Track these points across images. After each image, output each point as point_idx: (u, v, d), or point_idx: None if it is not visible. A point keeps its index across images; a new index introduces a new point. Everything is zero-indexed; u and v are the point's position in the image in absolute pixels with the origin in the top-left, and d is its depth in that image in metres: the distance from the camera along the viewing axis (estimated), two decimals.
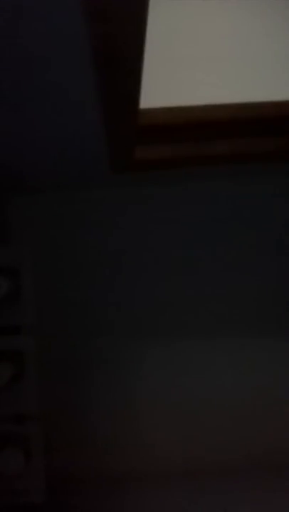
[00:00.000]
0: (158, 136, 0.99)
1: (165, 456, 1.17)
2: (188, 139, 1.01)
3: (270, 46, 1.04)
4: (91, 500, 1.05)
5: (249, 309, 1.18)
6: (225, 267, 1.18)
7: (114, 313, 1.17)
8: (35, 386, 0.93)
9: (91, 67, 0.56)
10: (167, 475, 1.12)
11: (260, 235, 1.18)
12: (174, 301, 1.18)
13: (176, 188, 1.17)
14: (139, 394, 1.17)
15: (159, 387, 1.17)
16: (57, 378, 1.14)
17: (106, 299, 1.17)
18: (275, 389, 1.18)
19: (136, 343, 1.17)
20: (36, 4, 0.43)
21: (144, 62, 0.62)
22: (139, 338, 1.18)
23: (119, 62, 0.55)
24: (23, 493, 0.90)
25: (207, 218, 1.18)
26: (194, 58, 1.01)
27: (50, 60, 0.54)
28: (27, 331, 0.94)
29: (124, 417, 1.17)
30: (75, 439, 1.16)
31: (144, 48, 0.53)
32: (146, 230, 1.17)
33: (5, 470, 0.87)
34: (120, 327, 1.17)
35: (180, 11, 1.01)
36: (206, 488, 1.07)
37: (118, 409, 1.17)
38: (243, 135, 1.03)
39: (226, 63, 1.02)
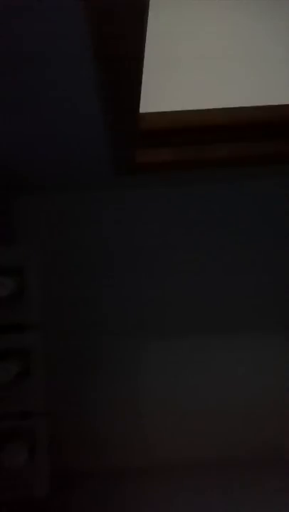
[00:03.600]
0: (159, 140, 1.01)
1: (167, 453, 1.17)
2: (189, 143, 1.03)
3: (270, 50, 1.06)
4: (94, 495, 1.06)
5: (251, 309, 1.20)
6: (225, 269, 1.20)
7: (117, 311, 1.19)
8: (41, 383, 0.94)
9: (92, 69, 0.57)
10: (170, 471, 1.13)
11: (260, 237, 1.20)
12: (176, 301, 1.19)
13: (177, 190, 1.19)
14: (142, 391, 1.18)
15: (162, 385, 1.19)
16: (61, 375, 1.16)
17: (109, 298, 1.19)
18: (278, 388, 1.19)
19: (139, 341, 1.19)
20: (37, 4, 0.44)
21: (146, 67, 0.64)
22: (142, 337, 1.19)
23: (119, 63, 0.57)
24: (28, 488, 0.91)
25: (207, 221, 1.20)
26: (195, 63, 1.03)
27: (51, 62, 0.55)
28: (33, 329, 0.95)
29: (128, 413, 1.18)
30: (79, 435, 1.17)
31: (144, 49, 0.54)
32: (147, 231, 1.19)
33: (9, 464, 0.89)
34: (124, 325, 1.19)
35: (181, 14, 1.02)
36: (207, 485, 1.08)
37: (121, 406, 1.18)
38: (243, 139, 1.04)
39: (226, 68, 1.04)
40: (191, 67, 1.03)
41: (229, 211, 1.20)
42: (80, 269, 1.18)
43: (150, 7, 0.50)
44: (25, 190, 1.14)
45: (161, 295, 1.19)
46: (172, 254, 1.20)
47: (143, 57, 0.56)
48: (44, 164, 0.97)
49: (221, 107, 0.98)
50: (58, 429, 1.11)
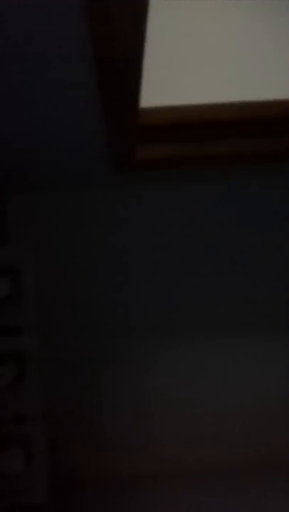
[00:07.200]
0: (159, 136, 0.98)
1: (171, 457, 1.16)
2: (189, 139, 1.00)
3: (271, 45, 1.03)
4: (96, 500, 1.05)
5: (253, 309, 1.18)
6: (226, 267, 1.18)
7: (118, 312, 1.17)
8: (37, 387, 0.93)
9: (91, 67, 0.55)
10: (173, 475, 1.12)
11: (261, 234, 1.18)
12: (177, 301, 1.17)
13: (177, 187, 1.16)
14: (144, 394, 1.17)
15: (165, 387, 1.17)
16: (62, 378, 1.14)
17: (108, 298, 1.17)
18: (286, 390, 1.17)
19: (143, 342, 1.17)
20: (36, 4, 0.43)
21: (146, 62, 0.62)
22: (145, 338, 1.17)
23: (119, 62, 0.55)
24: (25, 493, 0.90)
25: (208, 218, 1.17)
26: (196, 57, 1.01)
27: (51, 59, 0.54)
28: (28, 332, 0.93)
29: (130, 417, 1.16)
30: (81, 439, 1.16)
31: (144, 47, 0.52)
32: (147, 229, 1.17)
33: (6, 470, 0.87)
34: (126, 327, 1.17)
35: (180, 11, 1.00)
36: (214, 488, 1.06)
37: (124, 409, 1.17)
38: (245, 135, 1.02)
39: (227, 62, 1.01)
40: (192, 62, 1.00)
41: (231, 209, 1.17)
42: (79, 269, 1.16)
43: (152, 5, 0.48)
44: (19, 189, 1.11)
45: (161, 295, 1.17)
46: (172, 252, 1.17)
47: (143, 57, 0.54)
48: (41, 161, 0.95)
49: (222, 102, 0.96)
50: (61, 434, 1.09)
